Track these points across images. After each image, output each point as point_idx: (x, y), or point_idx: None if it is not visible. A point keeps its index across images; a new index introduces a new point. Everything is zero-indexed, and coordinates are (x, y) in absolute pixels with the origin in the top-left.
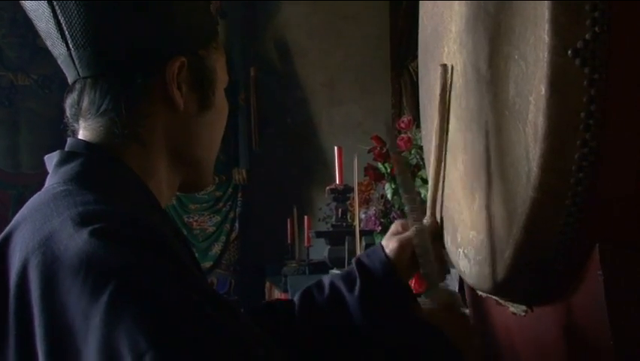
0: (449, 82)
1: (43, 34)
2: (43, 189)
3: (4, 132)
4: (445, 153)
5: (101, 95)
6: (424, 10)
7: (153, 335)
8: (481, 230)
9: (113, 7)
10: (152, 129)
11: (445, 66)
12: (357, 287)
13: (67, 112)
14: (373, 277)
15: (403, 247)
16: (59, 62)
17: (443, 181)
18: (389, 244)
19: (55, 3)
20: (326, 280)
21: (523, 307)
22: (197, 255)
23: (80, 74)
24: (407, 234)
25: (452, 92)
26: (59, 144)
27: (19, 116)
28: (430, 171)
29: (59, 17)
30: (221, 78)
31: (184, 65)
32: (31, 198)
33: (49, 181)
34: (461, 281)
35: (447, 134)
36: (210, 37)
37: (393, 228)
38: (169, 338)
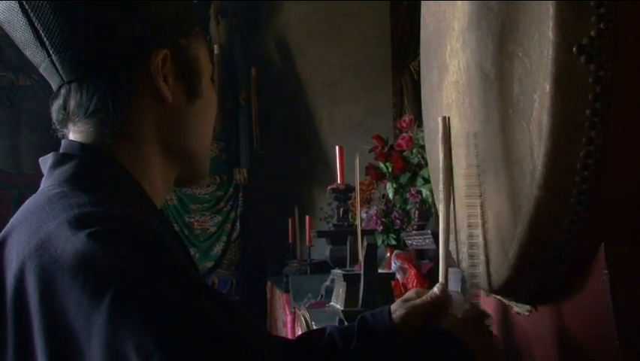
0: (448, 133)
1: (21, 45)
2: (38, 192)
3: (5, 133)
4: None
5: (88, 97)
6: (426, 8)
7: (159, 336)
8: (485, 229)
9: (89, 8)
10: (142, 125)
11: (444, 118)
12: (352, 344)
13: (54, 118)
14: (371, 339)
15: (410, 315)
16: (41, 70)
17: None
18: (397, 309)
19: (29, 10)
20: (329, 328)
21: (527, 307)
22: (198, 255)
23: (64, 78)
24: (417, 302)
25: (455, 89)
26: (60, 145)
27: (20, 116)
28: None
29: (35, 24)
30: (206, 66)
31: (167, 57)
32: (27, 201)
33: (44, 183)
34: (464, 281)
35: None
36: (190, 26)
37: (407, 294)
38: (175, 338)
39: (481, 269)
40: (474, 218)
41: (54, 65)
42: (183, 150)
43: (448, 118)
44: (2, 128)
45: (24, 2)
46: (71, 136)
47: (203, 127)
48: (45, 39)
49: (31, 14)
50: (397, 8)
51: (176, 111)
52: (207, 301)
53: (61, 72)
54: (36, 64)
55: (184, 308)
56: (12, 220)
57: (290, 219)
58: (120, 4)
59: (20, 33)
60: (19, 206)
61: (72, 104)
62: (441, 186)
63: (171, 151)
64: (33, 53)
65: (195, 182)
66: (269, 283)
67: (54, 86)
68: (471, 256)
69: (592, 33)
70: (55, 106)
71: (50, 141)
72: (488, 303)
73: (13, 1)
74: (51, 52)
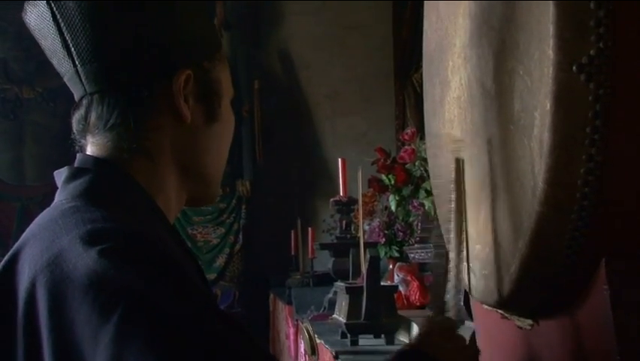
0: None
1: (48, 53)
2: (51, 206)
3: (8, 145)
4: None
5: (109, 110)
6: (428, 23)
7: (164, 357)
8: (486, 244)
9: (118, 22)
10: (160, 143)
11: (458, 160)
12: None
13: (75, 128)
14: None
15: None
16: (65, 79)
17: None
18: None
19: (60, 19)
20: None
21: (529, 321)
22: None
23: (87, 89)
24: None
25: (457, 105)
26: (64, 157)
27: (24, 129)
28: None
29: (65, 34)
30: (227, 89)
31: (190, 78)
32: (40, 215)
33: (58, 197)
34: (466, 295)
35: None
36: (215, 49)
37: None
38: (179, 359)
39: (483, 284)
40: (475, 232)
41: (79, 75)
42: (198, 171)
43: (463, 161)
44: (6, 140)
45: (55, 11)
46: (89, 148)
47: (219, 150)
48: (72, 49)
49: (62, 23)
50: (400, 20)
51: (194, 132)
52: (214, 322)
53: (84, 83)
54: (61, 73)
55: (190, 330)
56: (25, 233)
57: (292, 231)
58: (150, 20)
59: (50, 41)
60: (23, 217)
61: (93, 115)
62: (452, 234)
63: (186, 171)
64: (59, 61)
65: (205, 203)
66: (272, 295)
67: (76, 97)
68: (472, 270)
69: (592, 52)
70: (77, 116)
71: (53, 153)
72: (491, 317)
73: (45, 10)
74: (77, 62)
